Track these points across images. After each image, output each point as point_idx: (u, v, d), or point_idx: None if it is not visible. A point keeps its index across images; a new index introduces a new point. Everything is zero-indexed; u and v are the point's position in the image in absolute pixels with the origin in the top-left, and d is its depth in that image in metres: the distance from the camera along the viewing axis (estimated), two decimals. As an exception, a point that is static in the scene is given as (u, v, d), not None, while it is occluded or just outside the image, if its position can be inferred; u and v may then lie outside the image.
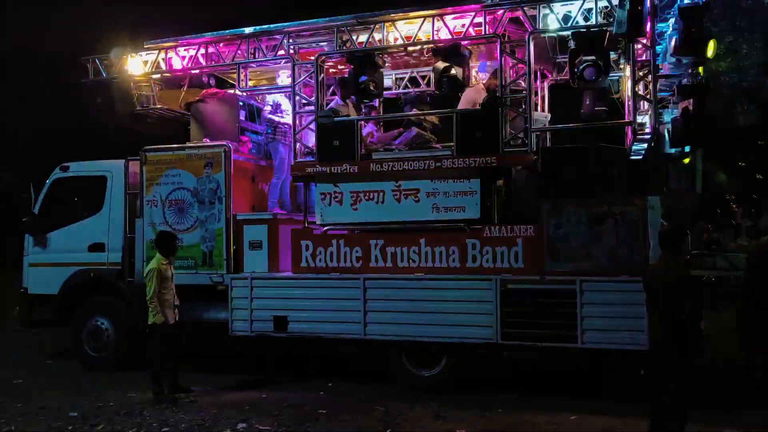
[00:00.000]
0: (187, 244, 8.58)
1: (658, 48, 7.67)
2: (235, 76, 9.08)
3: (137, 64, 9.40)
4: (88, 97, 9.51)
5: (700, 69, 7.43)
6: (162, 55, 9.26)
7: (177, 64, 9.28)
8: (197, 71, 9.33)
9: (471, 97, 8.09)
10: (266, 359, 9.58)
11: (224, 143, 8.65)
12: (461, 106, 8.09)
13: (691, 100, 7.22)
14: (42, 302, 9.39)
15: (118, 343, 9.08)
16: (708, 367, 7.96)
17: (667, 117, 8.02)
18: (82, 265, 9.24)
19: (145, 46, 9.33)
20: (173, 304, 7.75)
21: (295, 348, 8.95)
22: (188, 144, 9.04)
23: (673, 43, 7.20)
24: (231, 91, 9.44)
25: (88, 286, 9.27)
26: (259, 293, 8.24)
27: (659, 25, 7.62)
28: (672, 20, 7.41)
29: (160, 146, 9.00)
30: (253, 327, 8.22)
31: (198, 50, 9.09)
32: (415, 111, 8.93)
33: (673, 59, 7.44)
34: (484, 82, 8.52)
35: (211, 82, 9.69)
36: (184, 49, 9.21)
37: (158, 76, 9.46)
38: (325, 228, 8.21)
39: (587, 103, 8.12)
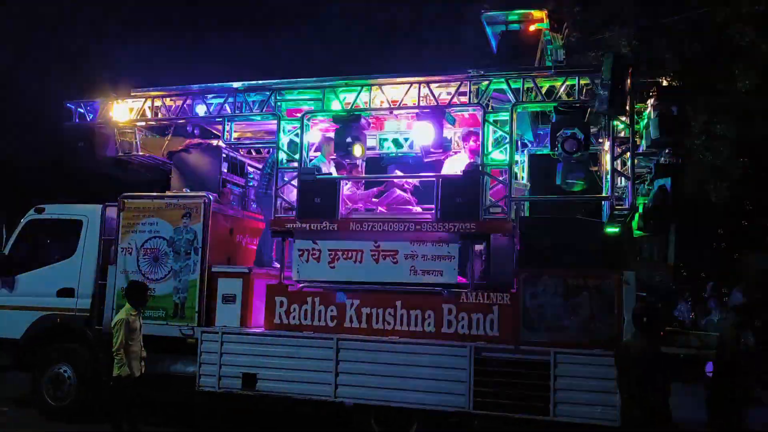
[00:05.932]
0: (159, 294, 8.43)
1: (638, 126, 7.87)
2: (220, 127, 9.12)
3: (122, 111, 9.37)
4: (70, 140, 9.46)
5: (676, 149, 7.65)
6: (148, 103, 9.28)
7: (163, 112, 9.30)
8: (183, 121, 9.35)
9: (453, 164, 8.20)
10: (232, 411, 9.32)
11: (204, 194, 8.61)
12: (444, 171, 8.19)
13: (668, 179, 7.40)
14: (4, 346, 9.09)
15: (79, 392, 8.76)
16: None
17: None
18: (49, 310, 9.00)
19: (132, 94, 9.33)
20: (140, 356, 7.54)
21: (262, 405, 8.73)
22: (168, 193, 8.99)
23: (651, 123, 7.41)
24: (215, 142, 9.45)
25: (53, 332, 8.99)
26: (229, 348, 8.06)
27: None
28: (651, 101, 7.64)
29: (139, 193, 8.92)
30: (221, 383, 8.02)
31: (185, 101, 9.12)
32: (397, 173, 9.00)
33: (652, 137, 7.64)
34: (464, 148, 8.65)
35: (195, 131, 9.72)
36: (171, 99, 9.25)
37: (143, 123, 9.46)
38: (301, 285, 8.14)
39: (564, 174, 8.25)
